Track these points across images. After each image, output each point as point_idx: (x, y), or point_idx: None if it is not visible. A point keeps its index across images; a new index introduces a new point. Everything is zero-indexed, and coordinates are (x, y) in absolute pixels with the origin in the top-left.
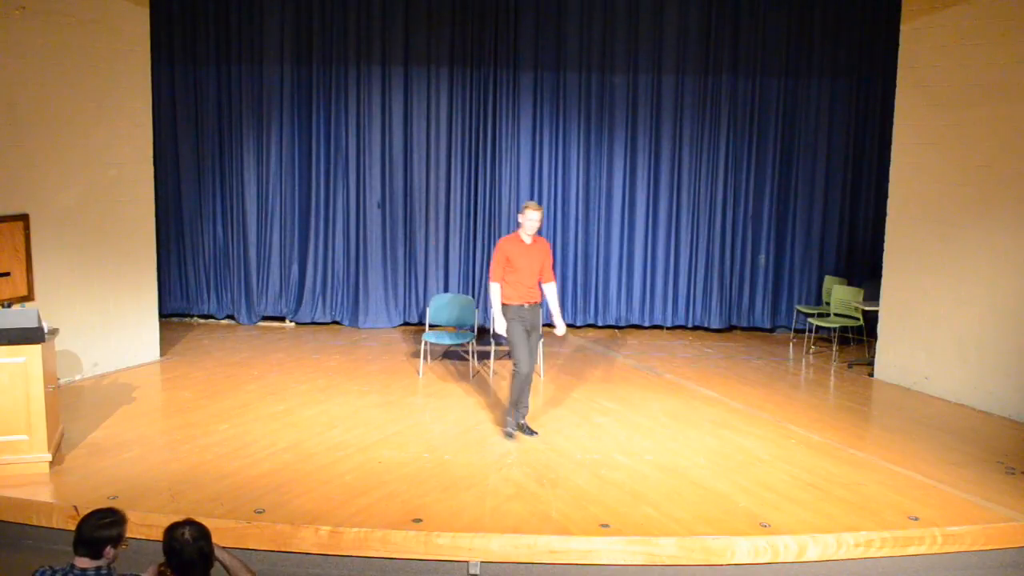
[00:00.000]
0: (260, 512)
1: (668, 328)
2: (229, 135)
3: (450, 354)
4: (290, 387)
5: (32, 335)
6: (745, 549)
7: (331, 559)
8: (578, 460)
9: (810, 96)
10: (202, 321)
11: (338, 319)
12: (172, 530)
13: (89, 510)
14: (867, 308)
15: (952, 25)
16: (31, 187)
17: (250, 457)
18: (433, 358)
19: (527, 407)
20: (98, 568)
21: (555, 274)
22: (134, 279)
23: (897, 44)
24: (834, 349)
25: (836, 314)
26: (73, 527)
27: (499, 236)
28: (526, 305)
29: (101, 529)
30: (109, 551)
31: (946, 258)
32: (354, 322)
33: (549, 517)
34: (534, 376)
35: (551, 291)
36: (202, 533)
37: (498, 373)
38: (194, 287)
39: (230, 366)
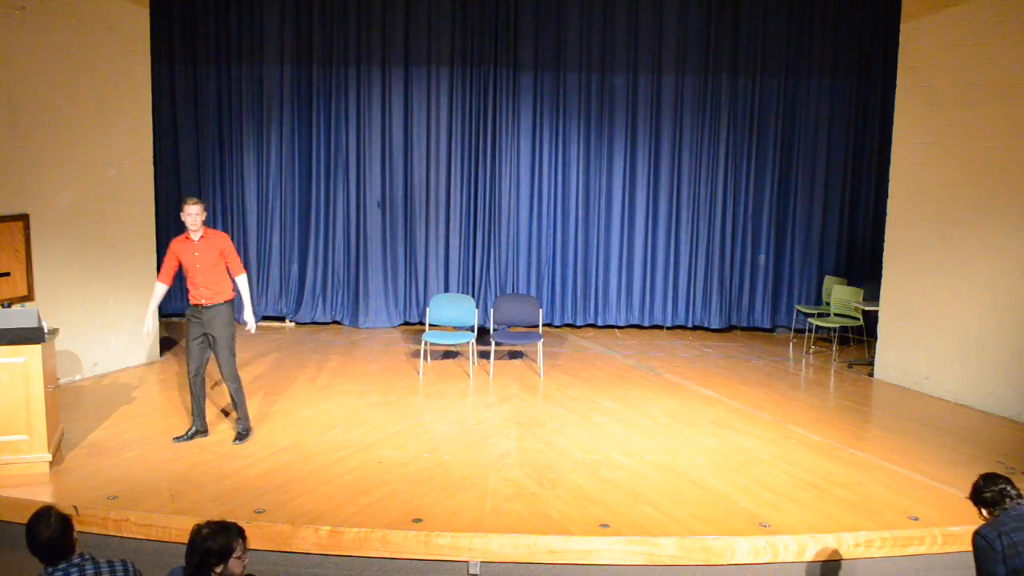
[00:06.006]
0: (260, 512)
1: (668, 328)
2: (229, 135)
3: (450, 354)
4: (290, 387)
5: (32, 335)
6: (745, 549)
7: (331, 559)
8: (578, 460)
9: (810, 96)
10: None
11: (338, 319)
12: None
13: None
14: (867, 308)
15: (952, 25)
16: (31, 187)
17: (250, 457)
18: (433, 358)
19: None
20: (81, 554)
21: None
22: (134, 279)
23: (897, 44)
24: (834, 349)
25: (836, 314)
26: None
27: (499, 235)
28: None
29: (54, 534)
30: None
31: (946, 258)
32: (354, 322)
33: (549, 517)
34: (535, 375)
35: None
36: (212, 533)
37: (498, 373)
38: None
39: None
